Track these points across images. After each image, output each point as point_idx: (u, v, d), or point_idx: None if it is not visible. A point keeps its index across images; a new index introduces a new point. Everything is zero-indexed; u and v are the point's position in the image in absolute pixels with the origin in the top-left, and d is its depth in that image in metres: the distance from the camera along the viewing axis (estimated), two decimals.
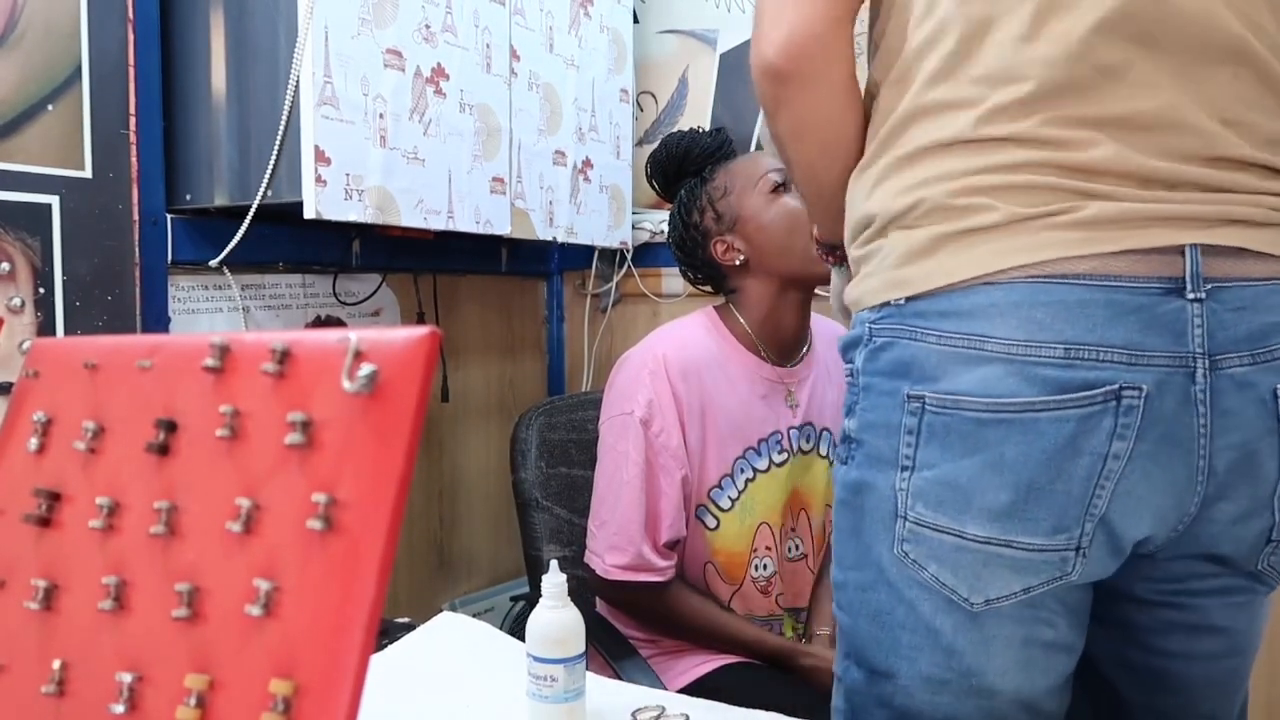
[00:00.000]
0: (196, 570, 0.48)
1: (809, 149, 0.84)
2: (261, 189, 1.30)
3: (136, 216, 1.33)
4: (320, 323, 1.68)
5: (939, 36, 0.73)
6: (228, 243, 1.37)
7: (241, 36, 1.32)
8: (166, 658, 0.47)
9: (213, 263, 1.40)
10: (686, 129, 1.44)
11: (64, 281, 1.26)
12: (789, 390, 1.36)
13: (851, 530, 0.79)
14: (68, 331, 1.27)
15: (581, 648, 0.89)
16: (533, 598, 1.27)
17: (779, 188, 1.32)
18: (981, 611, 0.73)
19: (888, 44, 0.78)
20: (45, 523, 0.55)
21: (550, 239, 1.77)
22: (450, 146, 1.48)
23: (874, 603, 0.77)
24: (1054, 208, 0.69)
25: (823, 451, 1.39)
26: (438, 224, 1.47)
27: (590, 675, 0.94)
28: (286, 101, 1.26)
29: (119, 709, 0.47)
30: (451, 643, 1.08)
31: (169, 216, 1.37)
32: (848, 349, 0.81)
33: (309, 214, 1.26)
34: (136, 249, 1.33)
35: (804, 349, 1.39)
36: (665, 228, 1.47)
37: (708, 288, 1.42)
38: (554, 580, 0.90)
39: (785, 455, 1.34)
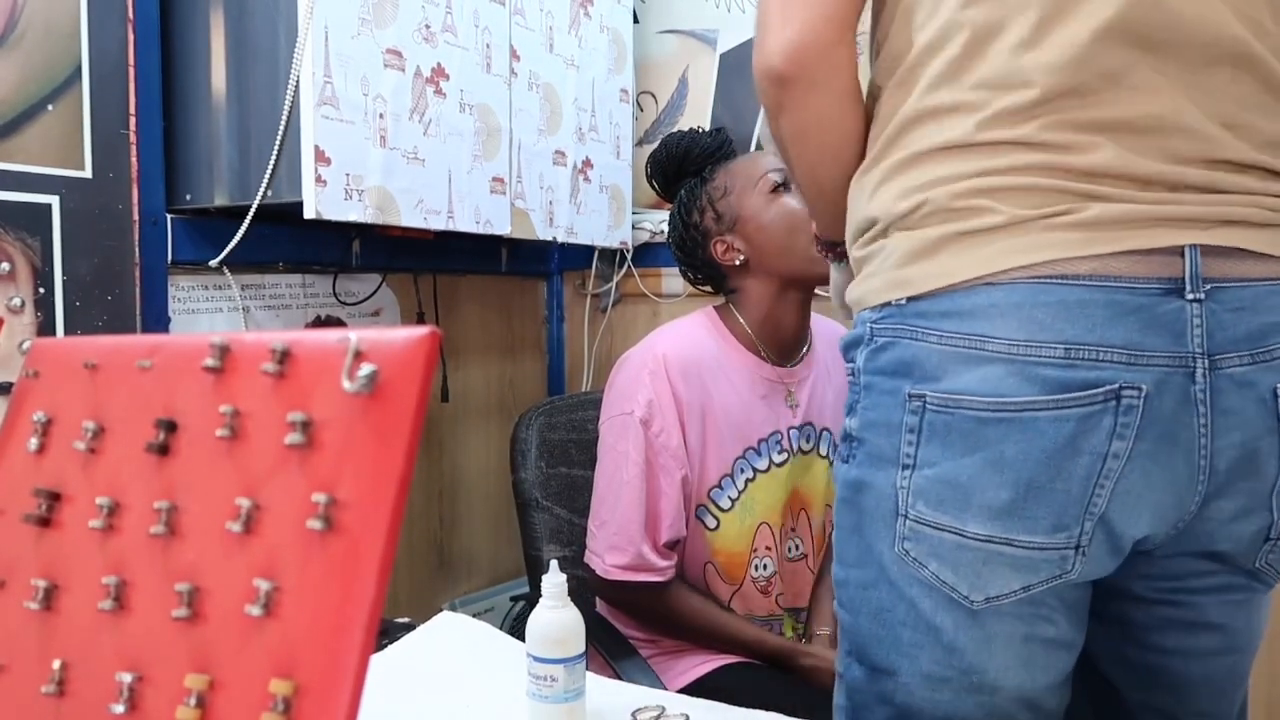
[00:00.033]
0: (196, 570, 0.48)
1: (811, 152, 0.84)
2: (261, 189, 1.30)
3: (136, 216, 1.33)
4: (320, 323, 1.68)
5: (942, 41, 0.74)
6: (228, 243, 1.37)
7: (241, 36, 1.32)
8: (166, 658, 0.47)
9: (213, 263, 1.40)
10: (686, 129, 1.44)
11: (64, 281, 1.26)
12: (789, 390, 1.36)
13: (853, 528, 0.79)
14: (68, 331, 1.27)
15: (581, 648, 0.89)
16: (533, 598, 1.27)
17: (779, 188, 1.32)
18: (982, 609, 0.73)
19: (890, 47, 0.79)
20: (45, 523, 0.55)
21: (550, 239, 1.77)
22: (450, 146, 1.48)
23: (875, 600, 0.78)
24: (1055, 209, 0.69)
25: (823, 451, 1.39)
26: (438, 224, 1.47)
27: (590, 675, 0.94)
28: (286, 101, 1.26)
29: (119, 709, 0.47)
30: (451, 643, 1.08)
31: (169, 216, 1.37)
32: (849, 348, 0.81)
33: (309, 214, 1.26)
34: (136, 249, 1.33)
35: (804, 349, 1.39)
36: (665, 228, 1.47)
37: (708, 288, 1.42)
38: (554, 580, 0.90)
39: (785, 455, 1.34)
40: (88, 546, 0.53)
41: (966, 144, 0.72)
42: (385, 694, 0.93)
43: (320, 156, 1.26)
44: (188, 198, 1.38)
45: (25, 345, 1.22)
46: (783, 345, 1.36)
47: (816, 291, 1.35)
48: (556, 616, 0.88)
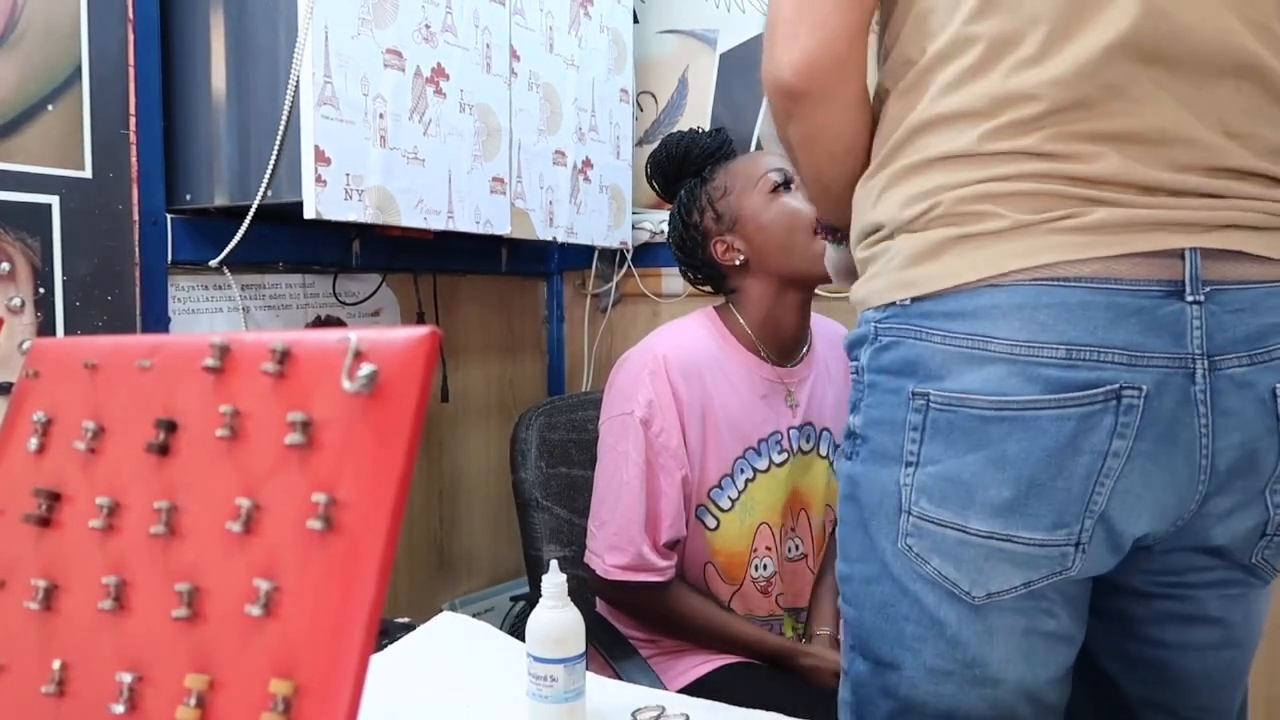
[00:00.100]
0: (196, 570, 0.48)
1: (819, 156, 0.86)
2: (261, 189, 1.30)
3: (136, 216, 1.33)
4: (320, 323, 1.68)
5: (955, 51, 0.74)
6: (228, 243, 1.37)
7: (241, 36, 1.32)
8: (166, 658, 0.47)
9: (213, 263, 1.40)
10: (686, 129, 1.44)
11: (64, 281, 1.26)
12: (789, 390, 1.36)
13: (856, 524, 0.81)
14: (68, 331, 1.27)
15: (581, 648, 0.89)
16: (533, 598, 1.27)
17: (779, 188, 1.32)
18: (983, 604, 0.74)
19: (900, 53, 0.79)
20: (45, 523, 0.55)
21: (550, 239, 1.77)
22: (450, 146, 1.48)
23: (878, 595, 0.79)
24: (1058, 214, 0.70)
25: (823, 451, 1.39)
26: (438, 224, 1.47)
27: (590, 675, 0.94)
28: (286, 101, 1.26)
29: (119, 709, 0.47)
30: (451, 643, 1.08)
31: (169, 216, 1.37)
32: (853, 347, 0.82)
33: (309, 214, 1.26)
34: (136, 249, 1.33)
35: (804, 349, 1.39)
36: (665, 228, 1.47)
37: (708, 288, 1.42)
38: (554, 580, 0.90)
39: (785, 455, 1.34)
40: (88, 546, 0.53)
41: (972, 154, 0.73)
42: (385, 694, 0.93)
43: (320, 156, 1.26)
44: (188, 198, 1.38)
45: (25, 345, 1.22)
46: (783, 345, 1.36)
47: (817, 291, 1.36)
48: (556, 616, 0.88)
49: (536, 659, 0.87)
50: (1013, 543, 0.72)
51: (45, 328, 1.25)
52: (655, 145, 1.45)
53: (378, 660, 0.95)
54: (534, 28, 1.69)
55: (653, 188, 1.47)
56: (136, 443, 0.52)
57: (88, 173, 1.28)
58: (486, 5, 1.55)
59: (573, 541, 1.44)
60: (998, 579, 0.73)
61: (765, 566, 1.34)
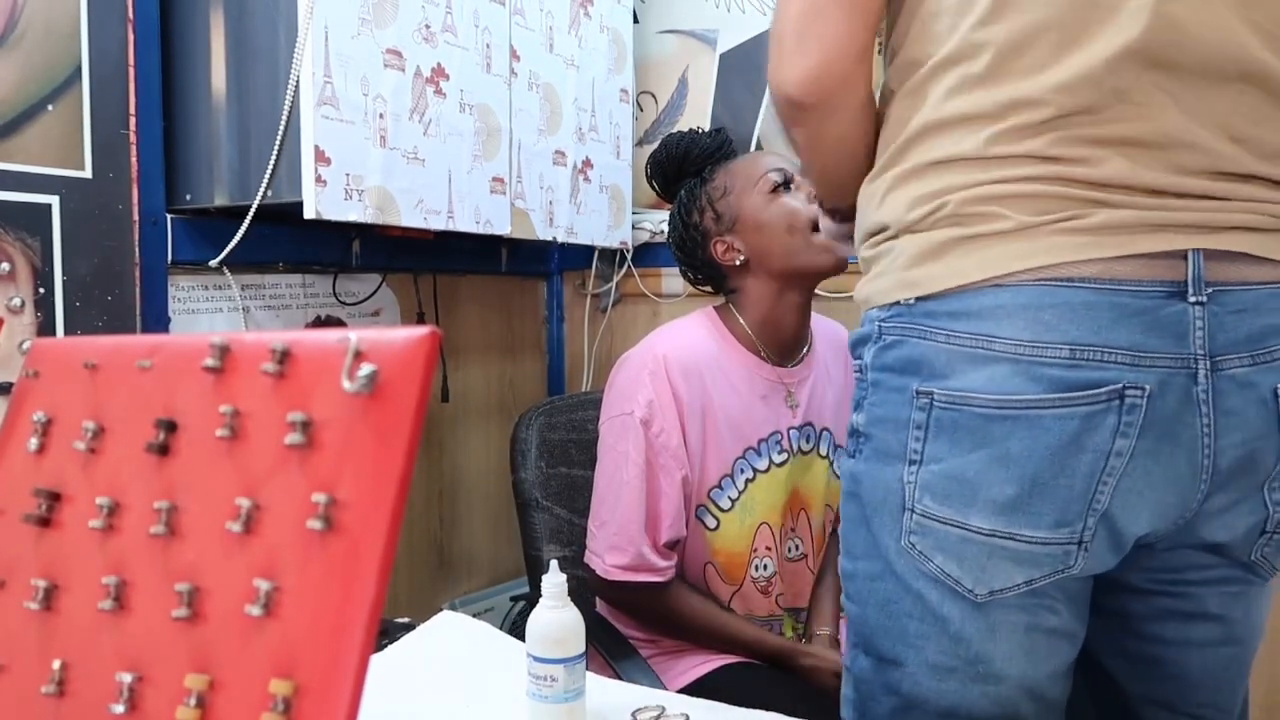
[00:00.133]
0: (196, 570, 0.48)
1: (824, 157, 0.87)
2: (261, 189, 1.30)
3: (136, 216, 1.33)
4: (320, 323, 1.68)
5: (962, 56, 0.75)
6: (228, 243, 1.37)
7: (241, 36, 1.32)
8: (166, 658, 0.47)
9: (213, 263, 1.40)
10: (686, 129, 1.44)
11: (64, 281, 1.26)
12: (789, 390, 1.36)
13: (859, 521, 0.81)
14: (68, 331, 1.27)
15: (581, 648, 0.89)
16: (533, 598, 1.27)
17: (779, 188, 1.32)
18: (986, 602, 0.75)
19: (907, 54, 0.79)
20: (45, 523, 0.55)
21: (550, 239, 1.77)
22: (450, 146, 1.48)
23: (882, 592, 0.79)
24: (1062, 215, 0.70)
25: (823, 452, 1.39)
26: (438, 224, 1.47)
27: (590, 675, 0.94)
28: (286, 101, 1.26)
29: (119, 709, 0.47)
30: (451, 643, 1.08)
31: (169, 216, 1.37)
32: (857, 345, 0.83)
33: (309, 214, 1.26)
34: (136, 249, 1.33)
35: (804, 349, 1.39)
36: (665, 228, 1.47)
37: (708, 288, 1.42)
38: (554, 580, 0.90)
39: (785, 455, 1.34)
40: (88, 546, 0.53)
41: (977, 156, 0.73)
42: (385, 694, 0.92)
43: (320, 156, 1.26)
44: (188, 198, 1.38)
45: (25, 345, 1.22)
46: (783, 345, 1.36)
47: (817, 291, 1.36)
48: (556, 616, 0.88)
49: (536, 659, 0.87)
50: (1015, 541, 0.72)
51: (45, 328, 1.25)
52: (655, 145, 1.45)
53: (378, 660, 0.95)
54: (534, 28, 1.69)
55: (653, 188, 1.47)
56: (136, 443, 0.52)
57: (88, 173, 1.28)
58: (486, 5, 1.55)
59: (573, 541, 1.44)
60: (1000, 577, 0.74)
61: (765, 566, 1.34)
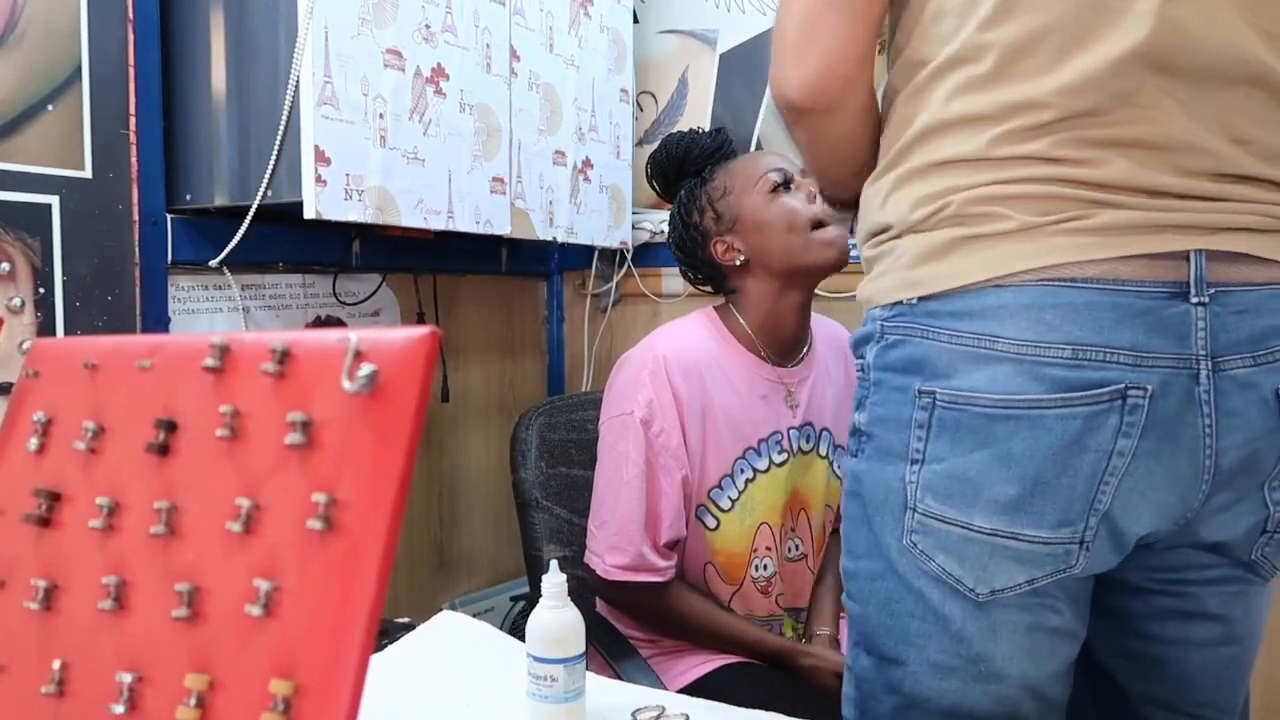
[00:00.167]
0: (196, 570, 0.48)
1: (825, 159, 0.88)
2: (261, 189, 1.30)
3: (136, 216, 1.33)
4: (320, 323, 1.68)
5: (964, 57, 0.75)
6: (228, 243, 1.37)
7: (241, 36, 1.32)
8: (166, 658, 0.47)
9: (213, 263, 1.40)
10: (686, 129, 1.44)
11: (64, 281, 1.26)
12: (789, 390, 1.36)
13: (861, 520, 0.81)
14: (68, 331, 1.27)
15: (581, 648, 0.89)
16: (533, 598, 1.27)
17: (778, 188, 1.32)
18: (987, 601, 0.75)
19: (911, 54, 0.80)
20: (45, 523, 0.55)
21: (550, 239, 1.77)
22: (450, 146, 1.48)
23: (883, 591, 0.80)
24: (1064, 216, 0.71)
25: (823, 452, 1.39)
26: (438, 224, 1.47)
27: (590, 675, 0.94)
28: (286, 101, 1.26)
29: (119, 709, 0.47)
30: (451, 643, 1.07)
31: (169, 216, 1.37)
32: (859, 344, 0.83)
33: (309, 214, 1.26)
34: (136, 249, 1.33)
35: (804, 349, 1.39)
36: (665, 228, 1.47)
37: (708, 288, 1.42)
38: (554, 580, 0.90)
39: (785, 455, 1.34)
40: (88, 546, 0.53)
41: (981, 157, 0.74)
42: (385, 694, 0.93)
43: (320, 156, 1.26)
44: (188, 198, 1.38)
45: (25, 345, 1.22)
46: (783, 345, 1.36)
47: (817, 291, 1.36)
48: (556, 616, 0.88)
49: (536, 659, 0.87)
50: (1017, 540, 0.72)
51: (45, 328, 1.25)
52: (655, 145, 1.45)
53: (378, 660, 0.95)
54: (534, 28, 1.69)
55: (653, 188, 1.47)
56: (136, 443, 0.52)
57: (88, 173, 1.28)
58: (486, 5, 1.55)
59: (573, 541, 1.44)
60: (1002, 576, 0.74)
61: (765, 566, 1.34)
